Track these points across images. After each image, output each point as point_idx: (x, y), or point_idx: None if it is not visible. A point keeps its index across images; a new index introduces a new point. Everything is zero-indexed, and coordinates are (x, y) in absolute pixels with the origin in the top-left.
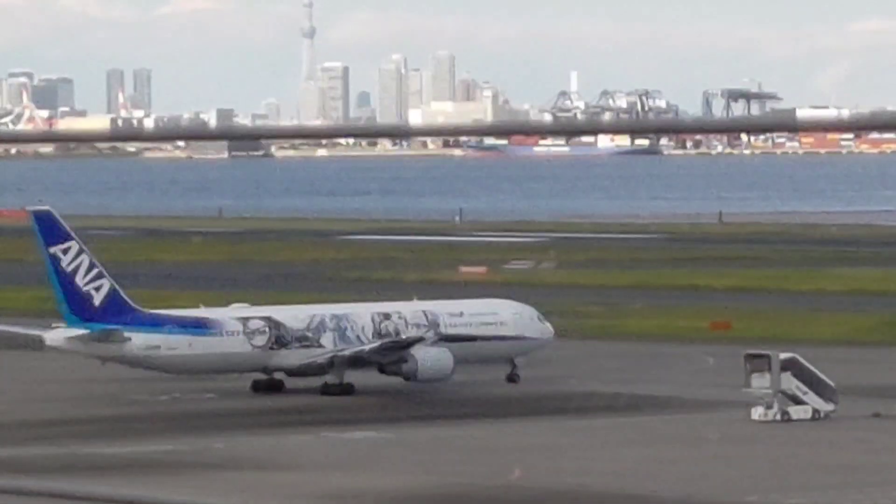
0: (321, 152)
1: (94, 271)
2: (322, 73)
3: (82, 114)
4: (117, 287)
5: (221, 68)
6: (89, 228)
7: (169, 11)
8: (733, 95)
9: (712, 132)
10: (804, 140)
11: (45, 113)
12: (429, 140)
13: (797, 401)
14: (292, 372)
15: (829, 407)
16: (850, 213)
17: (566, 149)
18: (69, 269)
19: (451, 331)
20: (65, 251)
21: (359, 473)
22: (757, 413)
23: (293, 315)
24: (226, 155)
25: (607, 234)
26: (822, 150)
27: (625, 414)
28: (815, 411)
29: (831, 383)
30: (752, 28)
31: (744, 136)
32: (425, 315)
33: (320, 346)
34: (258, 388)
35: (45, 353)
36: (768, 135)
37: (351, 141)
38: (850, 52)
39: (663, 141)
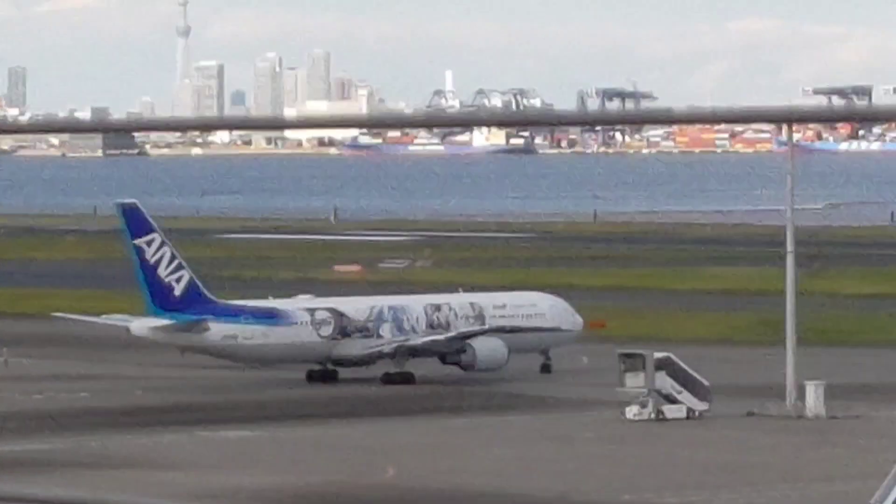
0: (196, 151)
1: (175, 262)
2: (197, 71)
3: None
4: (195, 278)
5: (96, 66)
6: None
7: (45, 9)
8: (608, 94)
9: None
10: (679, 139)
11: None
12: (303, 138)
13: (671, 400)
14: (353, 362)
15: (704, 406)
16: (724, 213)
17: (441, 147)
18: (152, 260)
19: (497, 322)
20: (149, 243)
21: (233, 472)
22: (631, 412)
23: (354, 306)
24: (100, 153)
25: (483, 233)
26: (698, 150)
27: (499, 413)
28: (690, 410)
29: (706, 382)
30: (628, 28)
31: (618, 136)
32: (472, 307)
33: (380, 336)
34: (313, 378)
35: None
36: (643, 134)
37: (226, 139)
38: (727, 51)
39: (538, 140)
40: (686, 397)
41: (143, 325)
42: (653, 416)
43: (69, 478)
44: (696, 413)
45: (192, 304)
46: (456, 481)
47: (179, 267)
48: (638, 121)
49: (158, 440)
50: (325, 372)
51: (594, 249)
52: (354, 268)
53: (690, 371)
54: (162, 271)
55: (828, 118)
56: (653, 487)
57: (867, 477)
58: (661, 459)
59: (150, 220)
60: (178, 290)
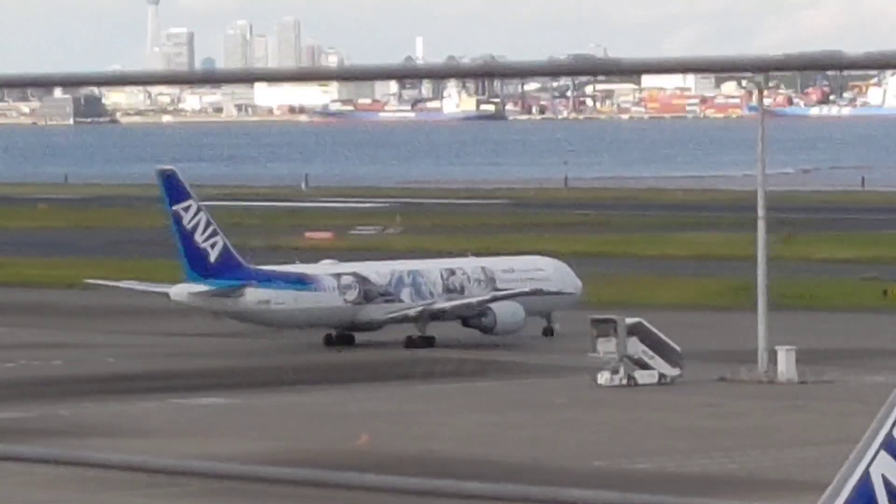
0: (166, 118)
1: (210, 228)
2: (167, 39)
3: None
4: (228, 244)
5: (66, 34)
6: None
7: None
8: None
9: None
10: (650, 105)
11: None
12: (274, 106)
13: (643, 365)
14: (372, 326)
15: (675, 371)
16: (695, 178)
17: (411, 114)
18: (189, 226)
19: (507, 286)
20: (186, 209)
21: (207, 439)
22: (603, 378)
23: (376, 271)
24: (71, 121)
25: (453, 200)
26: (668, 115)
27: (471, 379)
28: (662, 376)
29: (677, 348)
30: None
31: (589, 102)
32: (484, 271)
33: (400, 300)
34: (331, 342)
35: None
36: (614, 101)
37: (197, 106)
38: (698, 17)
39: (509, 106)
40: (658, 363)
41: (182, 290)
42: (624, 381)
43: (41, 446)
44: (668, 378)
45: (227, 270)
46: (429, 447)
47: (214, 233)
48: (600, 71)
49: (131, 408)
50: (342, 336)
51: (565, 215)
52: (326, 235)
53: (662, 336)
54: (198, 237)
55: (780, 67)
56: (625, 453)
57: (839, 442)
58: (633, 425)
59: (187, 186)
60: (212, 256)
